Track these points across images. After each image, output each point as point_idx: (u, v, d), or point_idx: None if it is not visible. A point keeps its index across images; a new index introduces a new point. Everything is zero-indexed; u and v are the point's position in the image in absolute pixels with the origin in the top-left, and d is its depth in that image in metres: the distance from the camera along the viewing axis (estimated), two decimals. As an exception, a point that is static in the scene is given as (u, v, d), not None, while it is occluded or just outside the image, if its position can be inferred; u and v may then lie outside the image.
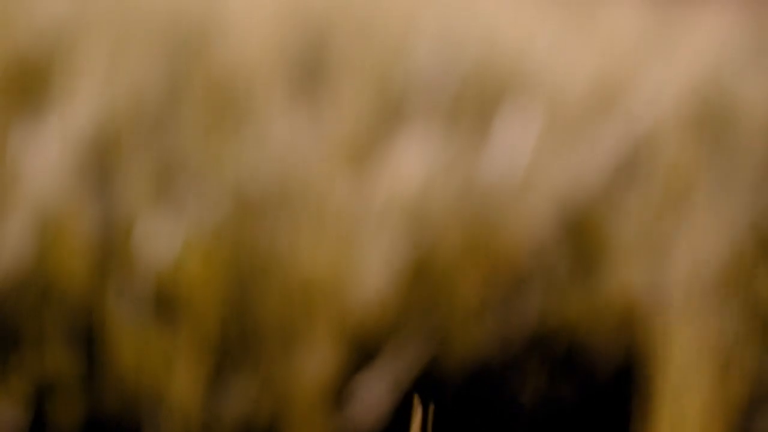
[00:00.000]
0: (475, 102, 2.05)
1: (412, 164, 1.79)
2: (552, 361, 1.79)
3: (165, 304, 1.75)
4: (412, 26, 2.21)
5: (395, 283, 1.71)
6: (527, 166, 1.79)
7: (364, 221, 1.73)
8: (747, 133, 1.97)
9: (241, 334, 1.73)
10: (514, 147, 1.81)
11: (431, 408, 1.73)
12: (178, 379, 1.68)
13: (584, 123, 1.87)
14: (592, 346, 1.79)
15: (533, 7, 2.90)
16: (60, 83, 1.93)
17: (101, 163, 1.90)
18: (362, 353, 1.69)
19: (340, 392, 1.67)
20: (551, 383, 1.78)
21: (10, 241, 1.76)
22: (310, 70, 2.15)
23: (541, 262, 1.78)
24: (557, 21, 2.80)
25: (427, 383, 1.72)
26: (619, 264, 1.78)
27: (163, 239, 1.76)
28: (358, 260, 1.70)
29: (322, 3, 2.37)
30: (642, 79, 1.95)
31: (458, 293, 1.72)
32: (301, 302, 1.70)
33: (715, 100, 1.96)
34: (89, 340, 1.74)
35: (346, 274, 1.69)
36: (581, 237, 1.81)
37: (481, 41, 2.17)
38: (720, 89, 2.00)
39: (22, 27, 2.00)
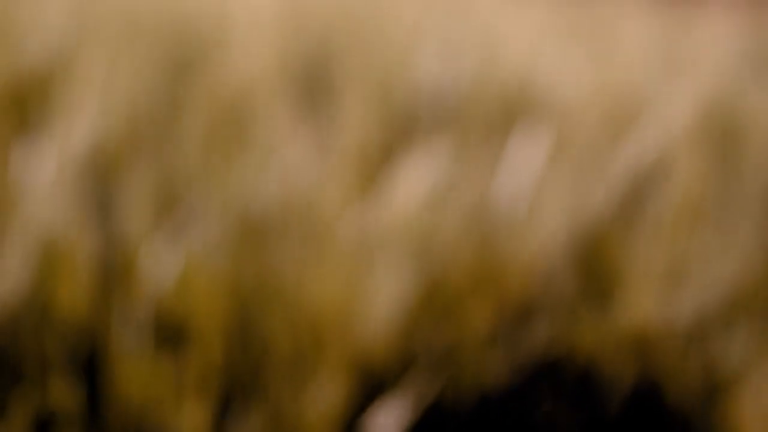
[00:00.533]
0: (483, 122, 2.02)
1: (420, 188, 1.75)
2: (563, 390, 1.76)
3: (169, 331, 1.72)
4: (417, 41, 2.17)
5: (404, 313, 1.67)
6: (537, 190, 1.76)
7: (372, 248, 1.70)
8: (757, 154, 1.94)
9: (247, 364, 1.69)
10: (524, 170, 1.78)
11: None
12: (184, 410, 1.64)
13: (595, 145, 1.84)
14: (604, 373, 1.76)
15: (539, 18, 2.87)
16: (60, 103, 1.89)
17: (102, 185, 1.86)
18: (372, 385, 1.66)
19: (349, 425, 1.63)
20: (562, 411, 1.75)
21: (10, 267, 1.72)
22: (315, 87, 2.11)
23: (552, 288, 1.75)
24: (563, 30, 2.76)
25: (438, 414, 1.69)
26: (631, 290, 1.75)
27: (166, 264, 1.73)
28: (367, 289, 1.67)
29: (326, 16, 2.33)
30: (652, 100, 1.92)
31: (468, 322, 1.69)
32: (308, 332, 1.66)
33: (726, 121, 1.93)
34: (92, 369, 1.71)
35: (354, 303, 1.66)
36: (592, 263, 1.78)
37: (489, 58, 2.13)
38: (730, 109, 1.97)
39: (21, 46, 1.97)
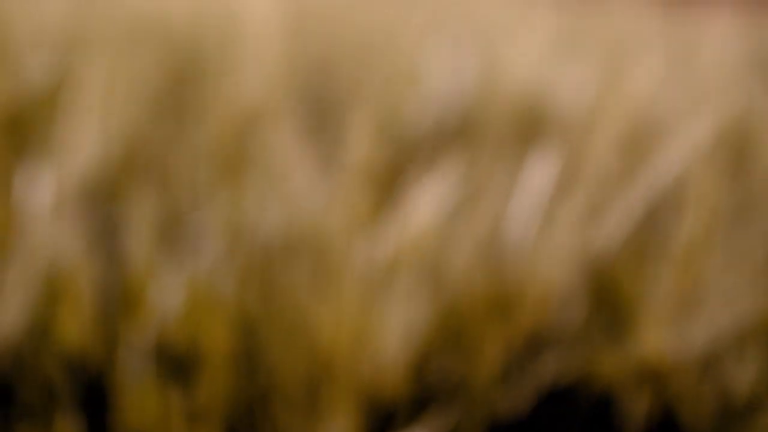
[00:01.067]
0: (493, 143, 1.99)
1: (430, 214, 1.72)
2: (577, 419, 1.73)
3: (175, 361, 1.69)
4: (424, 57, 2.14)
5: (416, 344, 1.64)
6: (549, 217, 1.73)
7: (383, 277, 1.67)
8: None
9: (255, 395, 1.66)
10: (535, 195, 1.75)
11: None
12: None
13: (608, 170, 1.80)
14: (618, 402, 1.74)
15: (545, 24, 2.83)
16: (60, 126, 1.86)
17: (105, 209, 1.83)
18: (383, 417, 1.63)
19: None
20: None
21: (12, 296, 1.69)
22: (322, 105, 2.08)
23: (566, 318, 1.72)
24: (570, 36, 2.73)
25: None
26: (645, 319, 1.72)
27: (171, 291, 1.70)
28: (378, 319, 1.64)
29: (332, 29, 2.30)
30: (666, 120, 1.89)
31: (481, 353, 1.66)
32: (318, 362, 1.64)
33: (741, 143, 1.90)
34: (97, 400, 1.68)
35: (365, 333, 1.63)
36: (606, 291, 1.75)
37: (497, 74, 2.10)
38: (745, 130, 1.94)
39: (20, 67, 1.93)
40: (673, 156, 1.77)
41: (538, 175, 1.78)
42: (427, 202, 1.73)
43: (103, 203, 1.86)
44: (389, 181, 1.91)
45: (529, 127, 2.01)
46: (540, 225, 1.72)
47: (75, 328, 1.69)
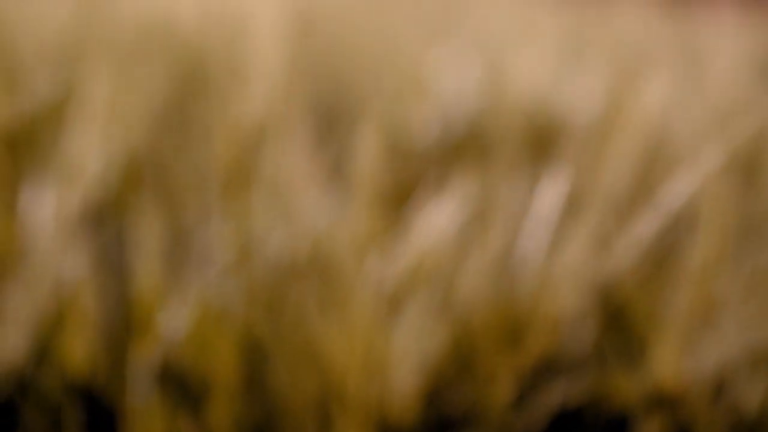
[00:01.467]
0: (502, 160, 1.96)
1: (440, 235, 1.70)
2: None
3: (183, 386, 1.66)
4: (431, 69, 2.11)
5: (426, 369, 1.62)
6: (560, 239, 1.71)
7: (393, 301, 1.65)
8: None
9: (264, 420, 1.64)
10: (546, 216, 1.73)
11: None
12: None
13: (620, 189, 1.78)
14: (631, 426, 1.72)
15: (550, 26, 2.81)
16: (63, 145, 1.83)
17: (109, 231, 1.81)
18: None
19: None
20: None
21: (15, 322, 1.66)
22: (329, 124, 2.06)
23: (578, 343, 1.70)
24: (576, 40, 2.70)
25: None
26: (658, 342, 1.70)
27: (178, 314, 1.68)
28: (388, 345, 1.61)
29: (338, 39, 2.28)
30: (679, 136, 1.87)
31: (493, 378, 1.64)
32: (327, 388, 1.61)
33: (754, 162, 1.88)
34: (103, 427, 1.66)
35: (375, 359, 1.61)
36: (618, 316, 1.73)
37: (509, 90, 2.08)
38: (758, 147, 1.92)
39: (22, 83, 1.90)
40: (686, 176, 1.75)
41: (549, 194, 1.76)
42: (437, 221, 1.71)
43: (108, 222, 1.83)
44: (399, 198, 1.88)
45: (540, 142, 1.98)
46: (551, 247, 1.70)
47: (80, 351, 1.67)
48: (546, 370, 1.69)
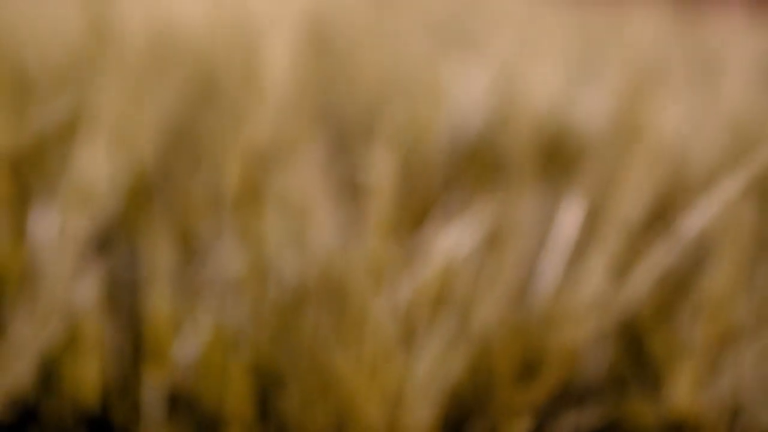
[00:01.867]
0: (519, 184, 1.94)
1: (456, 259, 1.68)
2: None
3: (195, 413, 1.64)
4: (447, 93, 2.09)
5: (444, 398, 1.60)
6: (577, 266, 1.69)
7: (409, 327, 1.62)
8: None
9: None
10: (563, 242, 1.70)
11: None
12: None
13: (635, 214, 1.76)
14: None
15: (568, 49, 2.78)
16: (74, 168, 1.81)
17: (120, 254, 1.78)
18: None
19: None
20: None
21: (24, 347, 1.64)
22: (342, 142, 2.03)
23: (595, 372, 1.67)
24: (593, 64, 2.67)
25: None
26: (676, 373, 1.68)
27: (190, 340, 1.65)
28: (404, 373, 1.59)
29: (351, 62, 2.25)
30: (695, 168, 1.84)
31: (510, 407, 1.62)
32: (341, 419, 1.59)
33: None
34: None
35: (389, 388, 1.58)
36: (635, 345, 1.70)
37: (523, 110, 2.05)
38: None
39: (33, 103, 1.88)
40: (704, 203, 1.72)
41: (566, 221, 1.73)
42: (453, 245, 1.68)
43: (118, 243, 1.81)
44: (414, 219, 1.86)
45: (555, 159, 1.96)
46: (568, 274, 1.67)
47: (91, 377, 1.65)
48: (563, 397, 1.66)
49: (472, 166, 2.00)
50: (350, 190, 1.91)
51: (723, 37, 3.59)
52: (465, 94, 2.13)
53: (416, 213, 1.86)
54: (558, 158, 1.97)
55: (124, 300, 1.73)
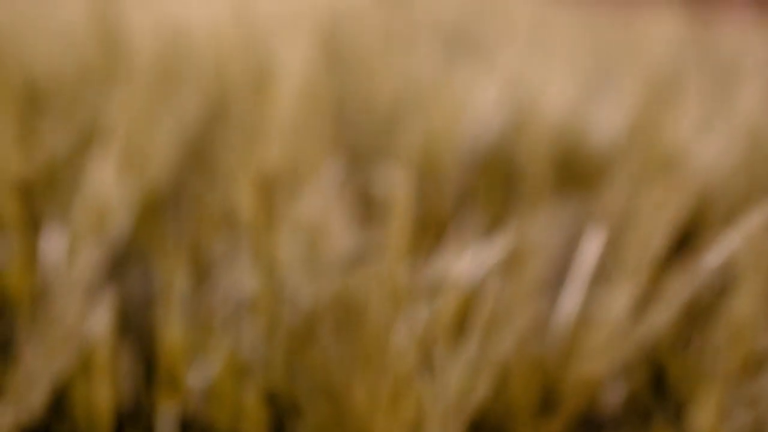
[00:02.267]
0: (534, 200, 1.91)
1: (471, 285, 1.65)
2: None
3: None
4: (463, 113, 2.06)
5: (463, 428, 1.57)
6: (596, 299, 1.66)
7: (425, 356, 1.60)
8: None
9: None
10: (581, 269, 1.68)
11: None
12: None
13: (658, 250, 1.73)
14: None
15: (581, 63, 2.75)
16: (85, 191, 1.78)
17: (132, 276, 1.76)
18: None
19: None
20: None
21: (36, 372, 1.62)
22: (357, 162, 2.00)
23: (615, 402, 1.65)
24: (609, 78, 2.65)
25: None
26: (699, 403, 1.65)
27: (204, 366, 1.63)
28: (421, 401, 1.57)
29: (365, 80, 2.22)
30: (716, 197, 1.81)
31: (529, 439, 1.59)
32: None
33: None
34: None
35: (407, 417, 1.56)
36: (656, 375, 1.68)
37: (538, 130, 2.02)
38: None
39: (45, 125, 1.85)
40: (726, 233, 1.70)
41: (587, 248, 1.71)
42: (470, 269, 1.66)
43: (130, 268, 1.78)
44: (431, 240, 1.83)
45: (572, 180, 1.93)
46: (588, 304, 1.65)
47: (104, 405, 1.62)
48: (584, 426, 1.64)
49: (489, 182, 1.97)
50: (366, 208, 1.88)
51: (736, 39, 3.55)
52: (479, 107, 2.10)
53: (433, 232, 1.83)
54: (574, 173, 1.94)
55: (137, 324, 1.70)
